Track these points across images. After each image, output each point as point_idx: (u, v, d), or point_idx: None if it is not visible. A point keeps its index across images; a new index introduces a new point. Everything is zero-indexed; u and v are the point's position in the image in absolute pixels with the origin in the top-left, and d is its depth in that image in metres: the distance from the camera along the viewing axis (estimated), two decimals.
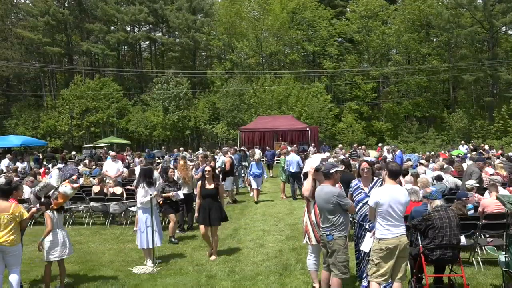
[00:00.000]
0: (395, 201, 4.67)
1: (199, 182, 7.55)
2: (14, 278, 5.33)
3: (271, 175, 18.56)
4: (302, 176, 12.44)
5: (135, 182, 9.63)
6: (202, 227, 7.22)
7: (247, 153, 16.50)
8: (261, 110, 36.42)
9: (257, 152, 17.11)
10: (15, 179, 11.61)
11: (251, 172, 13.07)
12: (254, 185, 12.94)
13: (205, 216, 7.18)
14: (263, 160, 17.24)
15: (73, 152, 23.36)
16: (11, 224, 5.32)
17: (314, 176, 5.39)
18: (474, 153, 18.65)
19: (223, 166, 12.86)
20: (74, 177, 6.25)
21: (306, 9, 41.09)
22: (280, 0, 40.86)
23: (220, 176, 12.85)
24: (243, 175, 15.23)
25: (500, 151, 17.60)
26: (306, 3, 41.06)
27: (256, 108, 37.02)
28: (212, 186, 7.33)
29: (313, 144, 24.12)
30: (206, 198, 7.26)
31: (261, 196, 13.46)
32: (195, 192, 10.32)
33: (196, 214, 7.45)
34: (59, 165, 15.47)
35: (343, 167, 6.76)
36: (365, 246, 5.24)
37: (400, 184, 7.26)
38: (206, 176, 7.39)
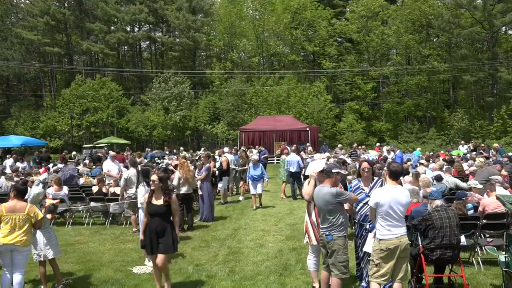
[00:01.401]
0: (395, 202, 4.67)
1: (146, 195, 5.97)
2: (17, 278, 5.32)
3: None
4: (302, 176, 12.51)
5: (124, 181, 9.50)
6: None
7: (239, 155, 15.24)
8: (262, 110, 36.42)
9: (254, 152, 16.90)
10: (15, 179, 11.61)
11: (249, 175, 12.12)
12: (252, 190, 11.95)
13: (148, 241, 5.66)
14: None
15: (73, 152, 23.35)
16: (25, 225, 5.33)
17: (317, 177, 5.37)
18: (474, 153, 18.63)
19: (221, 166, 12.85)
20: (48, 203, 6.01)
21: (306, 9, 41.11)
22: (282, 0, 40.86)
23: (216, 177, 12.77)
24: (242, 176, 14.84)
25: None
26: (306, 3, 41.07)
27: (256, 108, 37.02)
28: (160, 201, 5.68)
29: (308, 144, 24.10)
30: (154, 217, 5.67)
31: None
32: (199, 192, 10.40)
33: (141, 237, 5.88)
34: (59, 165, 15.50)
35: (346, 172, 6.73)
36: (367, 247, 5.24)
37: (401, 184, 7.27)
38: (152, 188, 5.77)
